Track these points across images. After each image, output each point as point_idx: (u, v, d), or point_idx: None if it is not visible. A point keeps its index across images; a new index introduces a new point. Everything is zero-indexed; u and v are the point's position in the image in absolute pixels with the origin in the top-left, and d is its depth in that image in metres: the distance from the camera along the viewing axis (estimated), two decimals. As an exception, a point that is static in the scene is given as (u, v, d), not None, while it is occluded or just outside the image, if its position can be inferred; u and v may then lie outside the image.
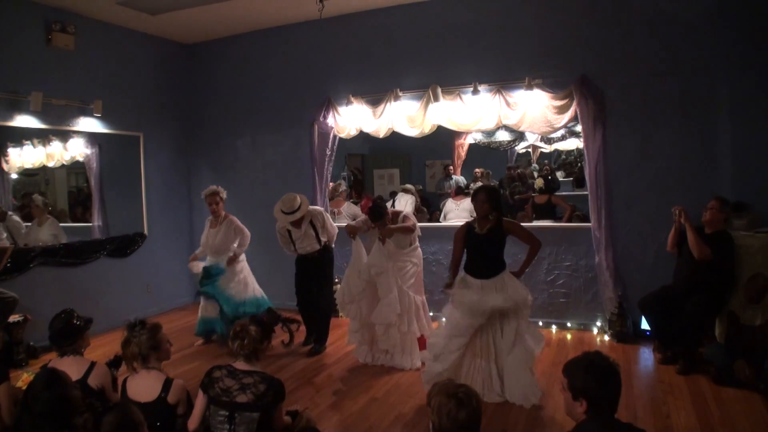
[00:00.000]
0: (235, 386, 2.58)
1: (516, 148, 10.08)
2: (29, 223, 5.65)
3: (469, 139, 9.64)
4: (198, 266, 5.56)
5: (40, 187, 5.92)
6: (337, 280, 5.83)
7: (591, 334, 5.37)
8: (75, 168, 6.20)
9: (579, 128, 5.69)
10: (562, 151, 10.24)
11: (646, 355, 4.76)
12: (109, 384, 2.96)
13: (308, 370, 4.69)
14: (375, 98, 6.01)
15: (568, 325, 5.52)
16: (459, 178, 9.50)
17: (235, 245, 5.46)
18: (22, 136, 5.55)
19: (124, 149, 6.51)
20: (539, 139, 9.54)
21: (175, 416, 2.74)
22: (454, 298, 3.97)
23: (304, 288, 5.18)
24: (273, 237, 5.48)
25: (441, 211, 7.55)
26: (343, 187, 7.62)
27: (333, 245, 5.29)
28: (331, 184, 6.95)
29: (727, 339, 4.25)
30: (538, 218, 6.90)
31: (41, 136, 5.69)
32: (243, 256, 5.58)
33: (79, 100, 5.82)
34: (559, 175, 9.76)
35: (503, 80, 5.44)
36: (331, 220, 5.31)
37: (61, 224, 5.92)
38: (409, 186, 7.87)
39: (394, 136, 6.15)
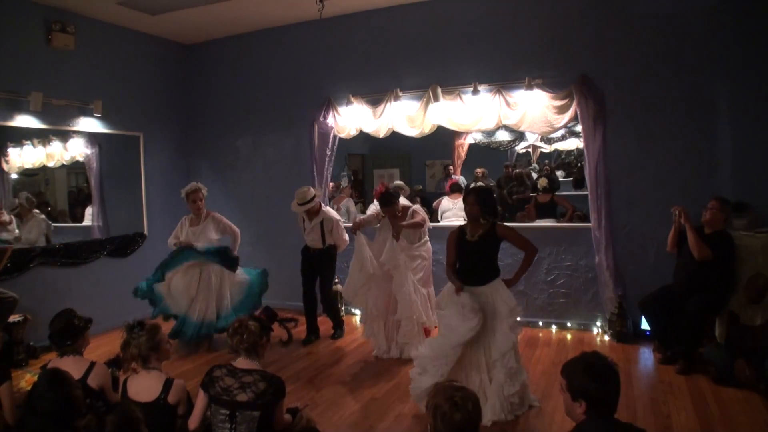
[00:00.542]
0: (236, 385, 2.59)
1: (516, 148, 10.06)
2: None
3: (469, 139, 9.61)
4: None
5: (40, 187, 5.92)
6: (337, 281, 5.85)
7: (591, 334, 5.38)
8: (75, 168, 6.21)
9: (579, 128, 5.69)
10: (562, 151, 10.24)
11: (646, 355, 4.76)
12: (108, 384, 2.97)
13: (308, 369, 4.69)
14: (375, 98, 6.02)
15: (568, 325, 5.52)
16: (459, 178, 9.47)
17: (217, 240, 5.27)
18: (22, 136, 5.55)
19: (124, 149, 6.50)
20: (539, 139, 9.53)
21: (176, 416, 2.75)
22: (439, 313, 3.80)
23: (307, 277, 5.40)
24: (272, 237, 5.57)
25: (434, 210, 7.41)
26: (345, 183, 7.67)
27: (339, 251, 5.47)
28: (331, 184, 6.95)
29: (727, 339, 4.26)
30: (540, 217, 6.91)
31: (41, 136, 5.69)
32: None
33: (79, 100, 5.82)
34: (559, 174, 9.76)
35: (503, 80, 5.44)
36: (344, 231, 5.40)
37: (61, 224, 5.92)
38: (399, 182, 7.86)
39: (394, 136, 6.15)
